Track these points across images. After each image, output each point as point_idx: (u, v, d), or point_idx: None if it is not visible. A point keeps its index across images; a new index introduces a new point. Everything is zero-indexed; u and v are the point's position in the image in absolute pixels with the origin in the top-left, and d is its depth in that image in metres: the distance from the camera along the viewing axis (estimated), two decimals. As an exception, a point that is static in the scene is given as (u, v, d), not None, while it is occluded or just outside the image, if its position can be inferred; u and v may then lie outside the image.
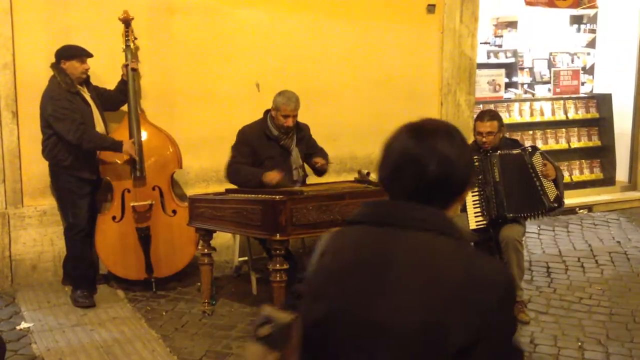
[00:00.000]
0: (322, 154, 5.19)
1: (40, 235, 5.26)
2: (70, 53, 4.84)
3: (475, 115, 5.04)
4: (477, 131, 4.83)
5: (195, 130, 5.72)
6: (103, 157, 4.99)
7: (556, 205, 4.75)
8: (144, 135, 5.11)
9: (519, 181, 4.73)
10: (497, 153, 4.76)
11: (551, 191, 4.71)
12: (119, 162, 5.01)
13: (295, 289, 1.72)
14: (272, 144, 4.93)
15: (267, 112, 5.02)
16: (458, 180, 1.55)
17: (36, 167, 5.14)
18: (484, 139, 4.77)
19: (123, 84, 5.14)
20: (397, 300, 1.45)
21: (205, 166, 5.79)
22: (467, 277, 1.44)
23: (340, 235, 1.65)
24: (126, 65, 5.13)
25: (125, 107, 5.17)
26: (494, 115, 4.86)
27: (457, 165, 1.53)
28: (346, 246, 1.60)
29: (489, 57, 8.04)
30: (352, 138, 6.42)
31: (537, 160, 4.74)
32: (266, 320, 1.58)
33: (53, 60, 4.87)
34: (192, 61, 5.69)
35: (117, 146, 4.89)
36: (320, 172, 5.10)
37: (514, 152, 4.81)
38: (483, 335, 1.40)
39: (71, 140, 4.73)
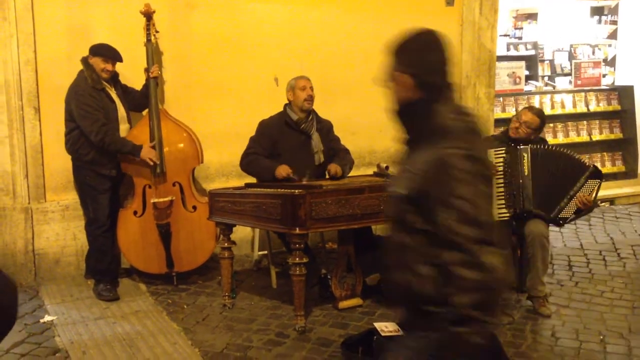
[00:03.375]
0: (342, 155, 5.13)
1: (63, 230, 5.32)
2: (98, 50, 4.88)
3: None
4: (518, 114, 4.82)
5: (214, 124, 5.74)
6: (125, 152, 5.03)
7: (560, 222, 4.71)
8: (165, 131, 5.13)
9: (552, 182, 4.65)
10: (528, 147, 4.70)
11: (568, 211, 4.64)
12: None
13: None
14: (293, 131, 4.96)
15: (285, 105, 5.06)
16: None
17: (58, 163, 5.20)
18: (517, 125, 4.73)
19: (147, 88, 5.16)
20: None
21: (224, 161, 5.82)
22: None
23: None
24: (146, 70, 5.15)
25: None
26: (540, 115, 4.81)
27: None
28: None
29: (508, 49, 7.98)
30: (370, 132, 6.40)
31: (590, 185, 4.61)
32: None
33: (74, 56, 4.92)
34: (211, 56, 5.72)
35: (136, 151, 4.92)
36: (335, 178, 4.99)
37: (574, 156, 4.70)
38: None
39: (93, 141, 4.79)
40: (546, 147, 4.81)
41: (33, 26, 5.08)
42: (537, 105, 7.74)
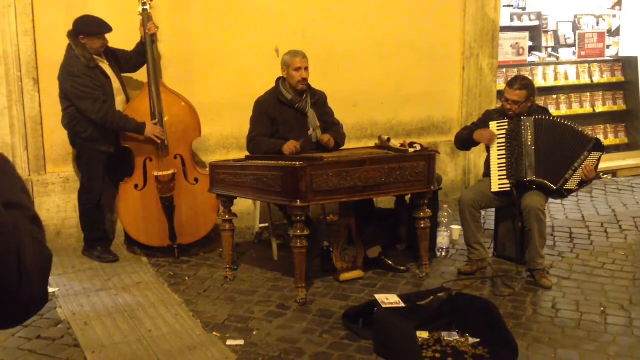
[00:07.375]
0: (334, 129, 5.02)
1: (63, 202, 5.32)
2: (91, 30, 4.76)
3: (505, 80, 4.94)
4: (504, 96, 4.77)
5: (214, 96, 5.70)
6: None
7: (565, 193, 4.71)
8: (164, 103, 5.06)
9: (556, 153, 4.65)
10: (532, 117, 4.69)
11: (572, 183, 4.66)
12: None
13: None
14: (287, 109, 4.88)
15: (278, 80, 4.96)
16: None
17: (59, 134, 5.17)
18: (508, 106, 4.70)
19: (142, 46, 5.08)
20: None
21: (225, 133, 5.79)
22: None
23: None
24: (142, 25, 5.05)
25: (144, 74, 5.14)
26: (525, 85, 4.71)
27: None
28: None
29: (512, 20, 7.90)
30: (372, 104, 6.36)
31: (593, 158, 4.63)
32: None
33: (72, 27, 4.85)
34: (210, 26, 5.65)
35: (140, 129, 4.87)
36: (327, 149, 4.89)
37: (577, 128, 4.71)
38: None
39: (95, 120, 4.75)
40: (550, 118, 4.80)
41: (31, -4, 5.02)
42: (540, 76, 7.69)
